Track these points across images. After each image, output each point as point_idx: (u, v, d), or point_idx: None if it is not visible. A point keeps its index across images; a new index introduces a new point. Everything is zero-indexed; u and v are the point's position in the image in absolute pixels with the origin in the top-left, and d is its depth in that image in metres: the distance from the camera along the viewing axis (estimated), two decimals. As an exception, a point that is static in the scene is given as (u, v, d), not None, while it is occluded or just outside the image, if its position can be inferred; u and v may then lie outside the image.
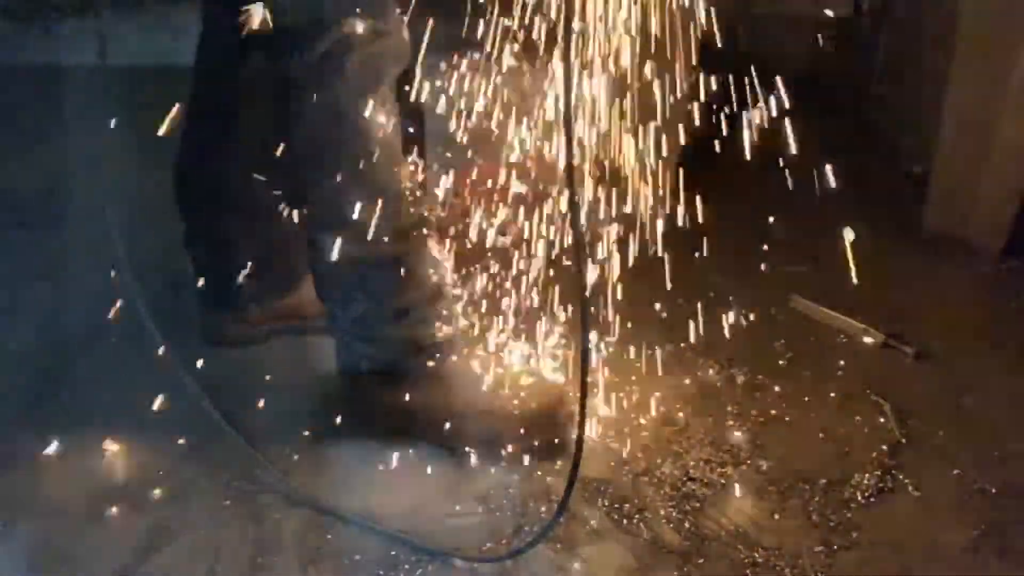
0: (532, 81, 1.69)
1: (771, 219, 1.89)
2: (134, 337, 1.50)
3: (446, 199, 1.92)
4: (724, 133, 1.66)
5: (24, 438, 1.50)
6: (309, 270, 1.58)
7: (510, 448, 1.48)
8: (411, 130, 1.60)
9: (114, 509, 1.40)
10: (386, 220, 1.41)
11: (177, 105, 1.37)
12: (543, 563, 1.32)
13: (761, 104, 1.54)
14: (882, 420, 1.59)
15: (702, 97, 1.67)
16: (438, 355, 1.50)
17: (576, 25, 1.39)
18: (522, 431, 1.48)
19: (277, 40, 1.31)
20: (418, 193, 1.49)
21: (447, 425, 1.48)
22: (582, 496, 1.43)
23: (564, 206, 1.63)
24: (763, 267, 1.91)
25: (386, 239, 1.42)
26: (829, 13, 2.58)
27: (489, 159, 1.80)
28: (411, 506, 1.42)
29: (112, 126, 1.38)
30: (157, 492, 1.43)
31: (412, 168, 1.57)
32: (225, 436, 1.47)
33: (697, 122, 1.74)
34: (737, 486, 1.45)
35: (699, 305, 1.73)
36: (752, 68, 1.55)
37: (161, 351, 1.43)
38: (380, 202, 1.39)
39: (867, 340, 1.77)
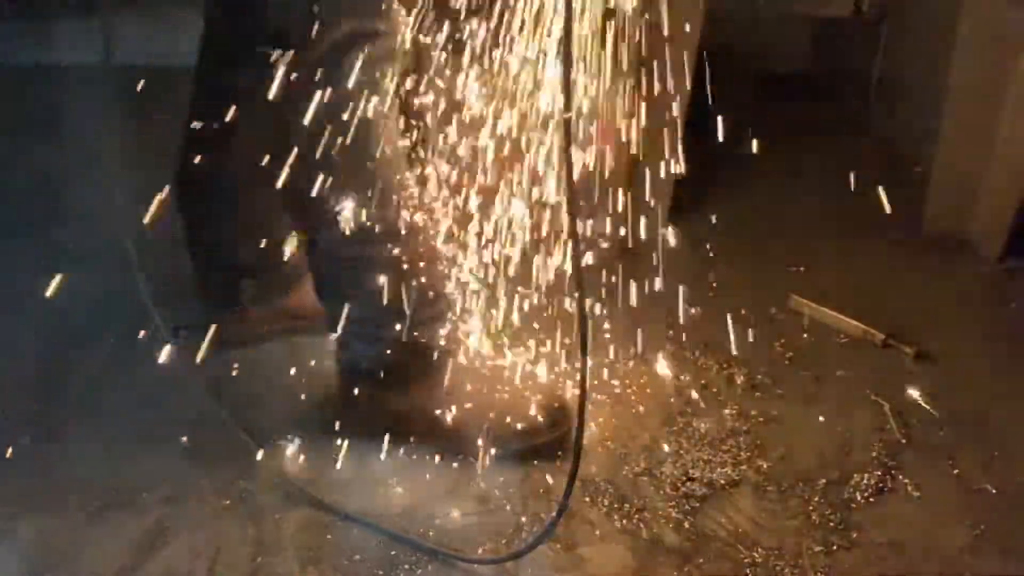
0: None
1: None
2: (134, 337, 1.50)
3: (447, 199, 1.92)
4: (723, 135, 1.66)
5: (24, 438, 1.50)
6: (309, 270, 1.58)
7: (509, 448, 1.48)
8: (413, 130, 1.60)
9: (114, 509, 1.40)
10: (385, 220, 1.41)
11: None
12: (543, 563, 1.32)
13: (760, 104, 1.53)
14: (882, 420, 1.59)
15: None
16: (437, 355, 1.50)
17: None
18: (521, 431, 1.48)
19: (277, 41, 1.31)
20: (418, 193, 1.49)
21: (447, 425, 1.48)
22: (582, 496, 1.43)
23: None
24: (763, 267, 1.91)
25: (386, 239, 1.42)
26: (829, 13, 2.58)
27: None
28: (411, 506, 1.42)
29: (112, 126, 1.38)
30: (157, 492, 1.43)
31: (412, 168, 1.57)
32: (225, 436, 1.47)
33: (695, 124, 1.74)
34: (737, 486, 1.45)
35: (699, 306, 1.73)
36: (751, 69, 1.55)
37: (166, 351, 1.42)
38: (379, 202, 1.39)
39: (867, 340, 1.77)
